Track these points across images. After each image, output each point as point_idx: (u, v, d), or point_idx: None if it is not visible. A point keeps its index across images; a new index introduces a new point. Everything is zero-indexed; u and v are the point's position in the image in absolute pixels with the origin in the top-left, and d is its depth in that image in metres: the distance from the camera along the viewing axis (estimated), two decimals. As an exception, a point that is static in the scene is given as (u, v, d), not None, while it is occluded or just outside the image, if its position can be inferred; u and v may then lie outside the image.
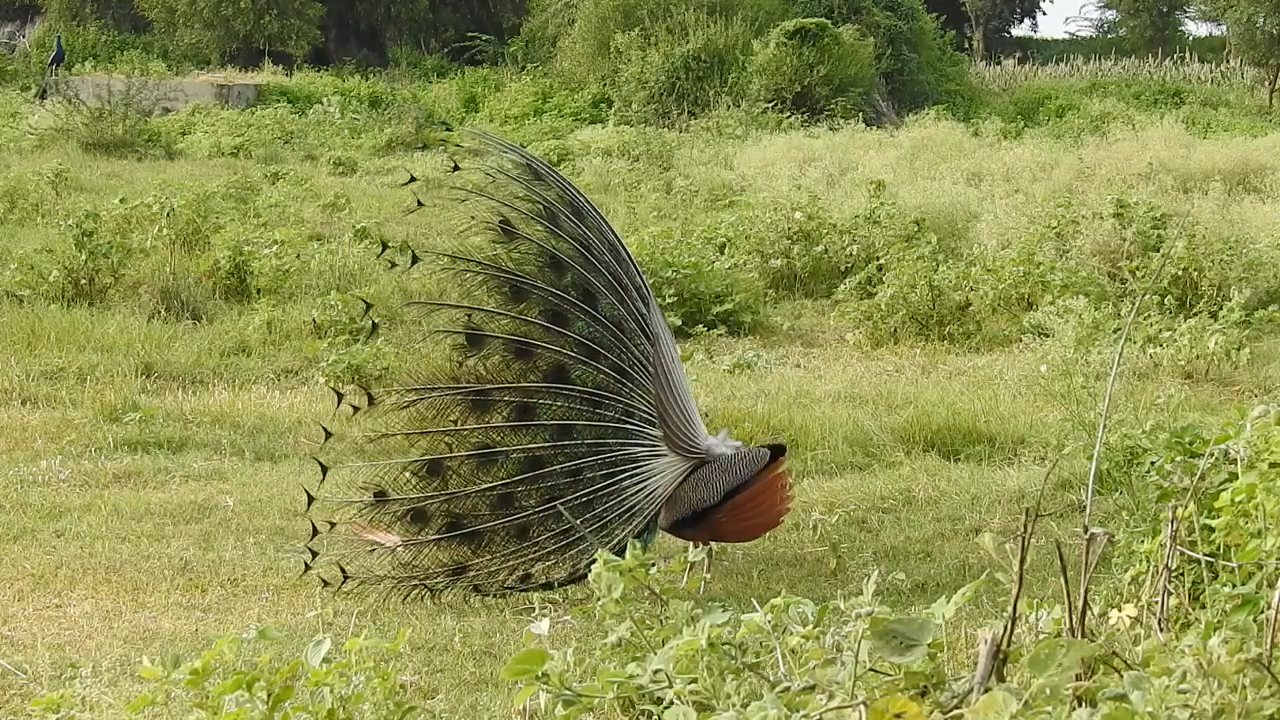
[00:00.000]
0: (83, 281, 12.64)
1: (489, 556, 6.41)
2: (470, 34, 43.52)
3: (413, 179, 7.21)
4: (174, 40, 43.08)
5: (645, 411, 6.53)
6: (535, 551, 6.41)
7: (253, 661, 3.86)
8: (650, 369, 6.54)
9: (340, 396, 6.49)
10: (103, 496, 7.80)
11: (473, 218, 6.58)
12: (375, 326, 6.69)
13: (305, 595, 6.39)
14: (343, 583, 6.35)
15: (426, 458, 6.38)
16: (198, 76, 37.95)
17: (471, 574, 6.41)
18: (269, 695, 3.66)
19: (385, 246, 6.92)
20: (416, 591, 6.38)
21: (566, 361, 6.47)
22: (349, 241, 15.00)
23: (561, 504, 6.33)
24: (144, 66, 33.56)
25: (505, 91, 36.67)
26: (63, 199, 17.74)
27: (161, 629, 6.01)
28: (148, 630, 5.99)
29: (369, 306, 6.96)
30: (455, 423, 6.41)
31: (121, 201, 14.88)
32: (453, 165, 6.87)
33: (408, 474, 6.40)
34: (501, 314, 6.49)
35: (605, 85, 35.90)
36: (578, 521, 6.30)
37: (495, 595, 6.42)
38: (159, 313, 12.07)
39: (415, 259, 6.53)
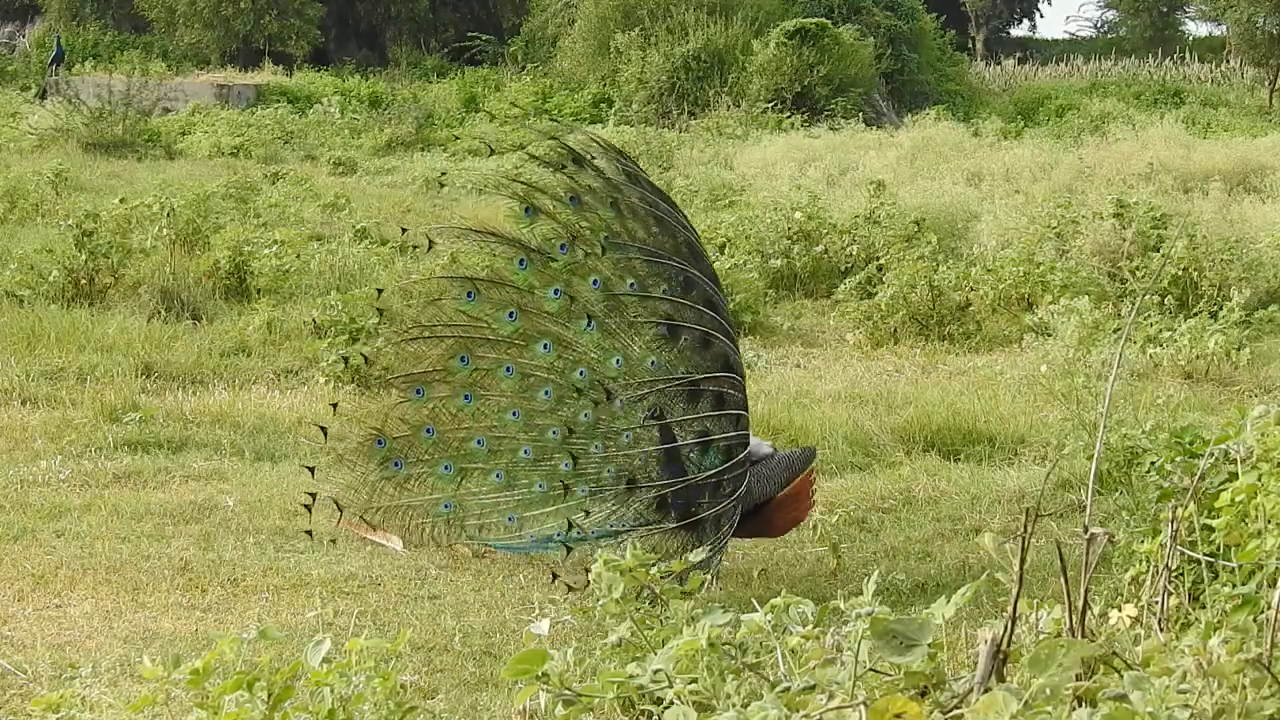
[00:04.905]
0: (83, 281, 12.63)
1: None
2: (470, 34, 43.52)
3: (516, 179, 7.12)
4: (174, 40, 43.10)
5: (745, 404, 6.71)
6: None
7: (253, 661, 3.86)
8: (738, 361, 6.70)
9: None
10: (103, 496, 7.79)
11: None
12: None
13: (305, 595, 6.40)
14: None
15: (665, 446, 6.49)
16: (198, 76, 37.93)
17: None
18: (269, 695, 3.66)
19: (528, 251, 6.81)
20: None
21: (729, 351, 6.60)
22: (349, 241, 15.01)
23: (729, 503, 6.49)
24: (144, 66, 33.56)
25: (505, 91, 36.65)
26: (63, 199, 17.73)
27: (161, 629, 6.01)
28: (148, 630, 5.99)
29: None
30: (683, 411, 6.56)
31: (121, 201, 14.87)
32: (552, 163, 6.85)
33: (654, 464, 6.51)
34: (689, 305, 6.55)
35: (605, 85, 35.89)
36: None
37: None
38: (159, 313, 12.07)
39: (605, 249, 6.55)
